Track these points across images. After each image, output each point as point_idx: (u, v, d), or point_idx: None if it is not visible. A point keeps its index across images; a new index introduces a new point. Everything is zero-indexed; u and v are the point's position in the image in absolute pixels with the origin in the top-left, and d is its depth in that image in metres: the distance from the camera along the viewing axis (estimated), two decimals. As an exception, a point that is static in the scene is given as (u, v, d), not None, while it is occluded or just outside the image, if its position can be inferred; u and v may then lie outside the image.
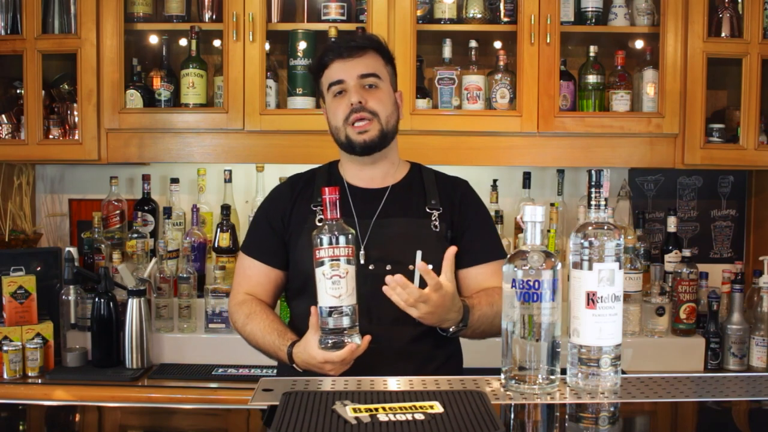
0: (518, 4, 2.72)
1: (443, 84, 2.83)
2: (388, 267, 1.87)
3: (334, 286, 1.64)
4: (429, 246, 1.88)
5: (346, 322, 1.67)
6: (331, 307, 1.66)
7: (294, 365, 1.82)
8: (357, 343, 1.69)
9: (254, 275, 2.01)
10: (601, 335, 1.47)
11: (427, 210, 1.96)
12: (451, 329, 1.82)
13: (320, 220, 1.74)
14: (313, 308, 1.71)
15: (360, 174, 2.00)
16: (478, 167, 2.92)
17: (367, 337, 1.72)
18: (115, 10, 2.73)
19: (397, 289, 1.68)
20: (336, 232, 1.65)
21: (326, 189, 1.67)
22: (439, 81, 2.83)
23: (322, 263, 1.65)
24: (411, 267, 1.83)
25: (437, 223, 1.94)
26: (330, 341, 1.68)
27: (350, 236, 1.66)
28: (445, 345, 1.96)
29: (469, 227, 1.99)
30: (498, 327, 1.80)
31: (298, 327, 1.87)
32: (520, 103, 2.74)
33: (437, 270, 1.90)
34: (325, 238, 1.65)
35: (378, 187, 1.99)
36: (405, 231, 1.93)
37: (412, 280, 1.83)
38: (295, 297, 2.00)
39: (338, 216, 1.67)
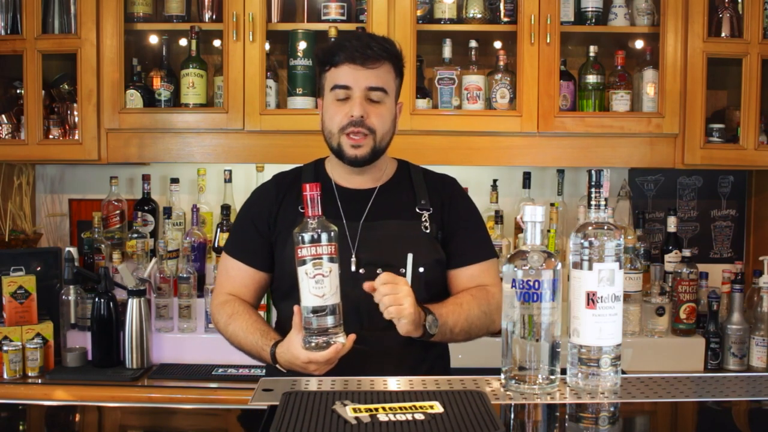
0: (518, 4, 2.72)
1: (443, 84, 2.83)
2: (379, 270, 1.83)
3: (317, 285, 1.61)
4: (420, 248, 1.87)
5: (330, 321, 1.64)
6: (314, 307, 1.62)
7: (277, 365, 1.80)
8: (342, 342, 1.66)
9: (237, 276, 1.97)
10: (601, 335, 1.47)
11: (417, 210, 1.94)
12: (427, 324, 1.77)
13: (300, 209, 1.69)
14: (296, 307, 1.67)
15: (347, 176, 1.97)
16: (478, 167, 2.92)
17: (352, 336, 1.69)
18: (115, 10, 2.73)
19: (384, 290, 1.69)
20: (318, 230, 1.61)
21: (306, 185, 1.62)
22: (439, 81, 2.83)
23: (304, 262, 1.61)
24: (402, 270, 1.82)
25: (427, 224, 1.92)
26: (314, 341, 1.65)
27: (333, 233, 1.62)
28: (434, 347, 1.95)
29: (458, 228, 1.96)
30: (478, 321, 1.84)
31: (285, 329, 1.83)
32: (520, 103, 2.74)
33: (431, 270, 1.90)
34: (307, 236, 1.61)
35: (365, 188, 1.97)
36: (395, 233, 1.90)
37: None
38: (282, 299, 1.96)
39: (320, 213, 1.63)
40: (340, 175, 1.97)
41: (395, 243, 1.88)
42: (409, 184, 1.99)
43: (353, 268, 1.86)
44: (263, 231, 1.96)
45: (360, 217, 1.91)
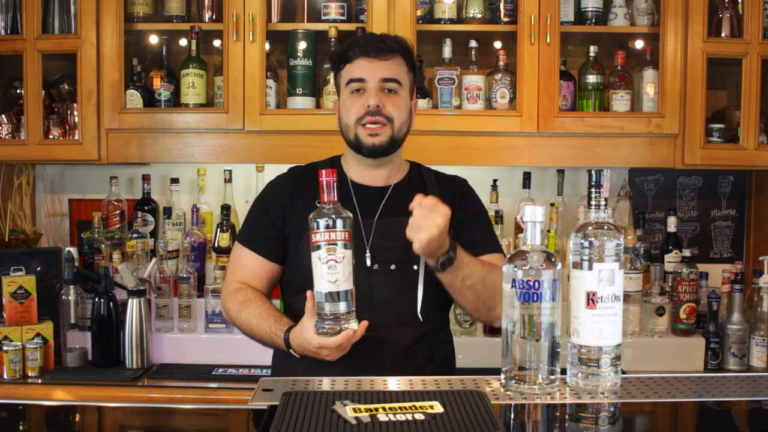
0: (518, 4, 2.72)
1: (443, 84, 2.83)
2: (393, 267, 1.86)
3: (330, 270, 1.61)
4: None
5: (342, 307, 1.64)
6: (327, 293, 1.63)
7: (290, 350, 1.80)
8: (354, 329, 1.66)
9: (250, 266, 1.97)
10: (601, 335, 1.47)
11: None
12: (441, 258, 1.75)
13: (317, 203, 1.70)
14: (309, 293, 1.68)
15: (363, 173, 1.99)
16: (478, 167, 2.92)
17: (364, 323, 1.69)
18: (115, 10, 2.72)
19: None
20: (333, 215, 1.62)
21: (323, 171, 1.64)
22: (439, 81, 2.83)
23: (318, 247, 1.62)
24: (415, 267, 1.83)
25: None
26: (326, 327, 1.66)
27: (348, 220, 1.63)
28: (442, 346, 1.97)
29: (466, 222, 1.98)
30: (491, 288, 1.79)
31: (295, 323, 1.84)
32: (520, 103, 2.74)
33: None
34: (322, 222, 1.61)
35: (380, 185, 1.98)
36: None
37: (416, 280, 1.82)
38: (293, 294, 1.96)
39: (335, 199, 1.64)
40: (355, 171, 1.99)
41: (408, 240, 1.88)
42: (421, 183, 2.01)
43: (368, 263, 1.87)
44: (277, 222, 1.96)
45: (374, 213, 1.93)
